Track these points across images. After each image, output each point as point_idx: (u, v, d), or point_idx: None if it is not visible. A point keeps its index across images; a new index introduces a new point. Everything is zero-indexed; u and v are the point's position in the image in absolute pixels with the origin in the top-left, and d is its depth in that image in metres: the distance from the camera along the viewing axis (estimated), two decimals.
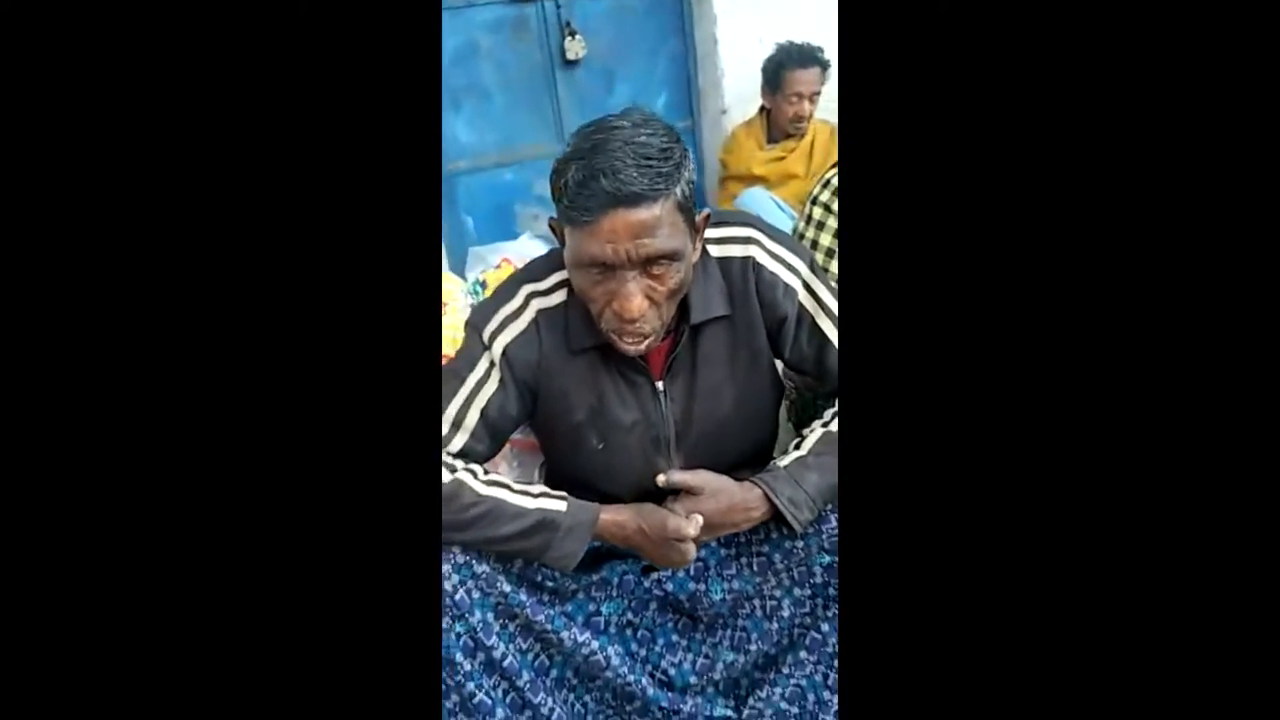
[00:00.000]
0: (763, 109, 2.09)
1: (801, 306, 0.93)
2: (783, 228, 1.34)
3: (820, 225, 1.17)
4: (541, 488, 0.90)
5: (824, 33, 2.04)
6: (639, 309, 0.80)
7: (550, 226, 0.89)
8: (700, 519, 0.87)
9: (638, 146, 0.76)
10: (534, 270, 0.94)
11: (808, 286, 0.93)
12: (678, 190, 0.78)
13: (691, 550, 0.88)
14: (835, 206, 1.17)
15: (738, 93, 2.29)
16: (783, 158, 2.03)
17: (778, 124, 2.03)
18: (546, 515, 0.86)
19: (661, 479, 0.90)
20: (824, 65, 1.97)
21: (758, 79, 2.06)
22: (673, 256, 0.79)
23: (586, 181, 0.76)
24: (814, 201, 1.20)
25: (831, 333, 0.94)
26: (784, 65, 1.95)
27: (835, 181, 1.18)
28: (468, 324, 0.95)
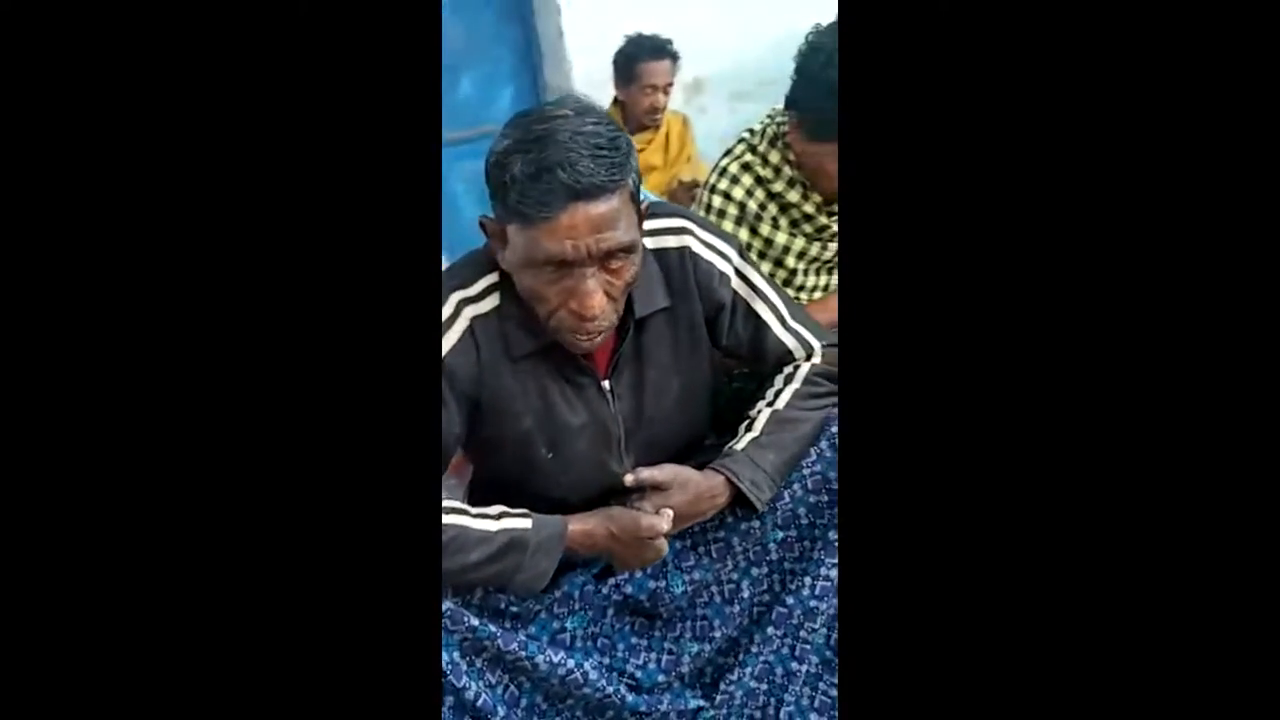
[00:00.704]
0: (616, 100, 2.10)
1: (735, 293, 0.95)
2: None
3: (721, 214, 1.20)
4: (500, 508, 0.85)
5: (669, 22, 2.08)
6: (600, 306, 0.77)
7: (482, 225, 0.84)
8: (670, 513, 0.86)
9: (588, 136, 0.73)
10: (460, 275, 0.87)
11: (739, 272, 0.95)
12: (629, 181, 0.76)
13: (665, 546, 0.87)
14: (735, 194, 1.20)
15: (585, 84, 2.28)
16: (641, 149, 2.05)
17: (633, 115, 2.05)
18: (514, 535, 0.81)
19: (629, 478, 0.88)
20: (675, 57, 2.01)
21: (603, 70, 2.06)
22: (630, 249, 0.77)
23: (540, 175, 0.71)
24: (712, 190, 1.22)
25: (766, 314, 0.96)
26: (636, 58, 1.97)
27: (732, 169, 1.21)
28: None
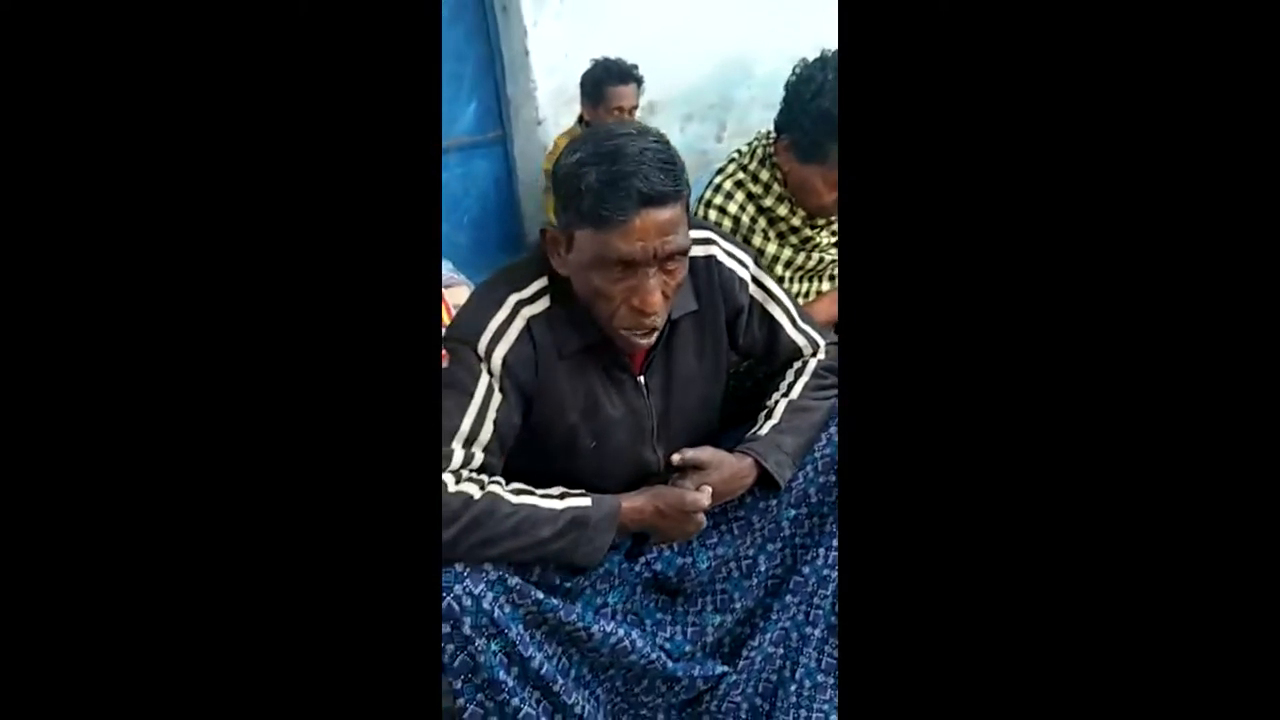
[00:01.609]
0: (582, 120, 2.19)
1: (753, 297, 1.06)
2: None
3: (718, 226, 1.31)
4: (560, 489, 0.92)
5: (628, 47, 2.20)
6: (659, 303, 0.86)
7: (543, 233, 0.91)
8: (710, 489, 0.96)
9: (654, 151, 0.82)
10: (515, 278, 0.95)
11: (755, 279, 1.06)
12: (686, 192, 0.86)
13: (704, 520, 0.97)
14: (730, 209, 1.32)
15: (548, 101, 2.36)
16: None
17: None
18: (577, 513, 0.89)
19: (676, 458, 0.97)
20: (639, 82, 2.12)
21: (565, 89, 2.16)
22: (685, 252, 0.87)
23: (617, 183, 0.80)
24: (708, 205, 1.33)
25: (780, 316, 1.08)
26: (604, 81, 2.08)
27: (726, 185, 1.33)
28: (450, 338, 0.93)
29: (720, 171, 1.36)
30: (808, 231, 1.33)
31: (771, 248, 1.33)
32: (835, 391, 1.08)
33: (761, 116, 2.99)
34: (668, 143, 0.87)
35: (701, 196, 1.35)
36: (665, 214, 0.83)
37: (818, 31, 2.90)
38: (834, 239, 1.38)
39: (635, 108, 2.14)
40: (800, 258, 1.35)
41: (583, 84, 2.12)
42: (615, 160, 0.81)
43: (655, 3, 2.52)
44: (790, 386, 1.07)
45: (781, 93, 3.04)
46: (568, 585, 0.96)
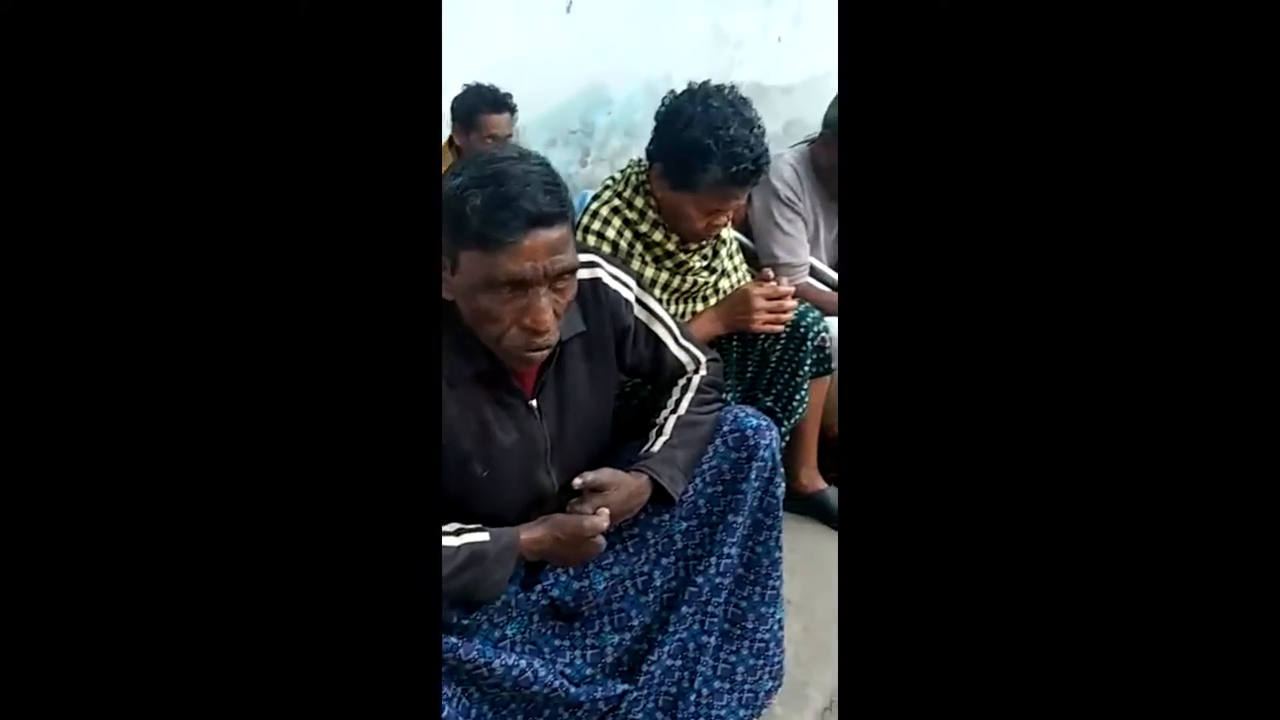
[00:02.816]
0: (452, 144, 2.16)
1: (638, 318, 1.09)
2: None
3: (597, 251, 1.34)
4: (456, 524, 0.90)
5: (494, 71, 2.20)
6: (550, 321, 0.87)
7: None
8: (608, 512, 0.97)
9: (538, 174, 0.84)
10: None
11: (639, 300, 1.09)
12: (570, 212, 0.88)
13: (603, 542, 0.98)
14: (608, 234, 1.35)
15: None
16: None
17: None
18: (474, 548, 0.87)
19: (577, 482, 0.98)
20: (513, 110, 2.13)
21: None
22: (574, 271, 0.89)
23: (504, 204, 0.81)
24: (585, 230, 1.35)
25: (664, 335, 1.11)
26: (477, 109, 2.06)
27: (603, 212, 1.36)
28: None
29: (596, 198, 1.40)
30: (682, 256, 1.38)
31: (649, 272, 1.37)
32: (718, 405, 1.14)
33: (621, 142, 3.08)
34: (549, 165, 0.88)
35: (579, 223, 1.37)
36: (553, 234, 0.84)
37: (670, 60, 3.04)
38: (706, 263, 1.45)
39: (509, 136, 2.13)
40: (675, 280, 1.40)
41: (454, 109, 2.09)
42: (500, 182, 0.82)
43: (516, 29, 2.53)
44: (677, 403, 1.11)
45: (638, 118, 3.13)
46: (464, 622, 0.94)
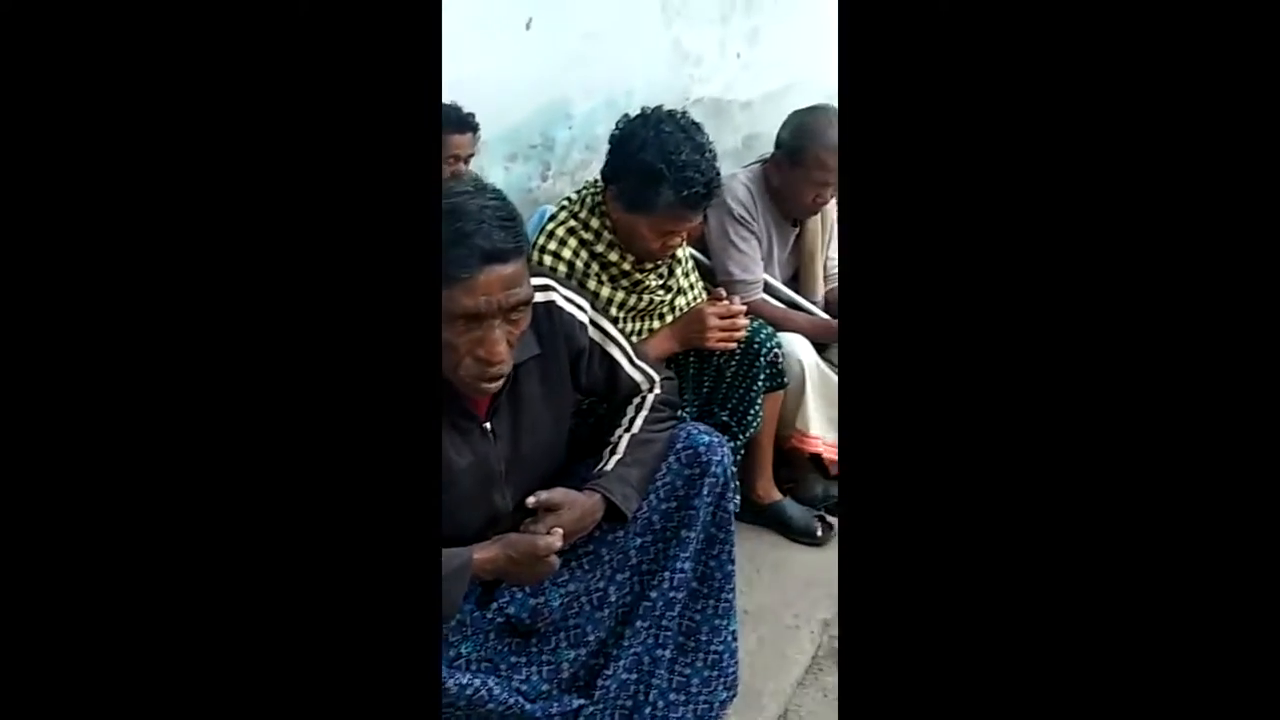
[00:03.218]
0: None
1: (592, 339, 1.11)
2: None
3: (553, 270, 1.36)
4: None
5: (453, 87, 2.20)
6: (504, 353, 0.89)
7: None
8: (561, 531, 0.99)
9: (493, 209, 0.86)
10: None
11: (593, 322, 1.12)
12: (526, 245, 0.90)
13: (557, 561, 0.99)
14: (564, 254, 1.37)
15: None
16: None
17: None
18: None
19: (530, 501, 0.99)
20: (475, 129, 2.13)
21: None
22: (529, 303, 0.91)
23: (460, 240, 0.83)
24: (542, 250, 1.38)
25: (618, 355, 1.14)
26: (441, 129, 2.07)
27: (559, 233, 1.39)
28: None
29: (553, 219, 1.42)
30: (637, 275, 1.41)
31: (605, 291, 1.40)
32: (672, 423, 1.17)
33: (582, 156, 3.10)
34: (504, 198, 0.91)
35: (535, 242, 1.40)
36: (508, 269, 0.86)
37: (631, 76, 3.08)
38: (661, 281, 1.48)
39: (472, 155, 2.14)
40: (632, 299, 1.43)
41: None
42: (457, 218, 0.84)
43: (476, 45, 2.54)
44: (631, 421, 1.14)
45: (599, 133, 3.16)
46: None
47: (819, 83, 4.11)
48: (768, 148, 2.16)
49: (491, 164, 2.79)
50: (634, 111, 2.91)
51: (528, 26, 2.71)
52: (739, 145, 3.65)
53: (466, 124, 2.11)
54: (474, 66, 2.54)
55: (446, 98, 2.21)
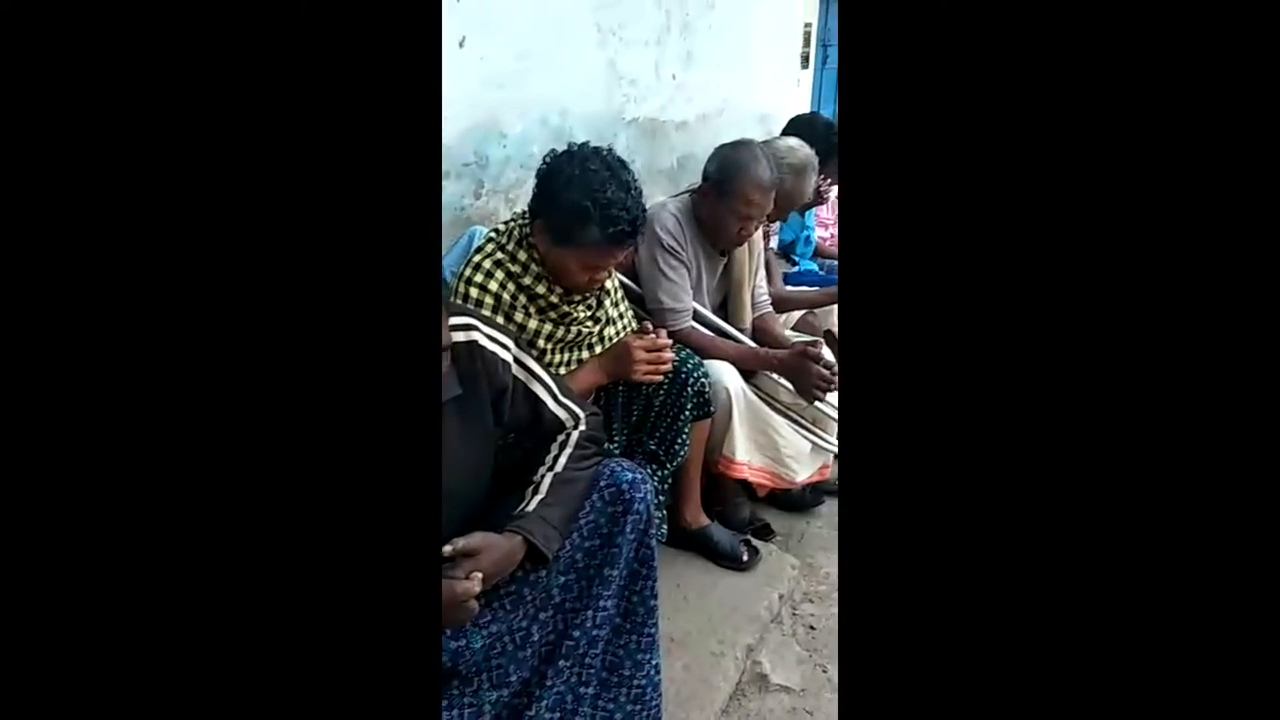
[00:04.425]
0: None
1: (515, 377, 1.11)
2: None
3: (479, 303, 1.35)
4: None
5: None
6: None
7: None
8: (480, 575, 0.98)
9: None
10: None
11: (518, 360, 1.12)
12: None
13: (475, 606, 0.99)
14: (491, 287, 1.36)
15: None
16: None
17: None
18: None
19: (447, 549, 0.98)
20: None
21: None
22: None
23: None
24: (468, 282, 1.36)
25: (541, 393, 1.14)
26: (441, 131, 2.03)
27: (485, 264, 1.38)
28: None
29: (479, 251, 1.41)
30: (565, 307, 1.42)
31: (533, 323, 1.40)
32: (596, 460, 1.17)
33: (516, 174, 3.09)
34: None
35: (461, 274, 1.39)
36: None
37: (566, 96, 3.09)
38: (590, 312, 1.49)
39: None
40: (560, 331, 1.44)
41: None
42: None
43: None
44: (555, 460, 1.14)
45: (533, 151, 3.15)
46: None
47: (751, 103, 4.21)
48: (700, 169, 2.20)
49: None
50: (569, 131, 2.92)
51: (460, 44, 2.69)
52: (674, 165, 3.70)
53: None
54: None
55: None
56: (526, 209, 1.39)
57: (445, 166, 2.81)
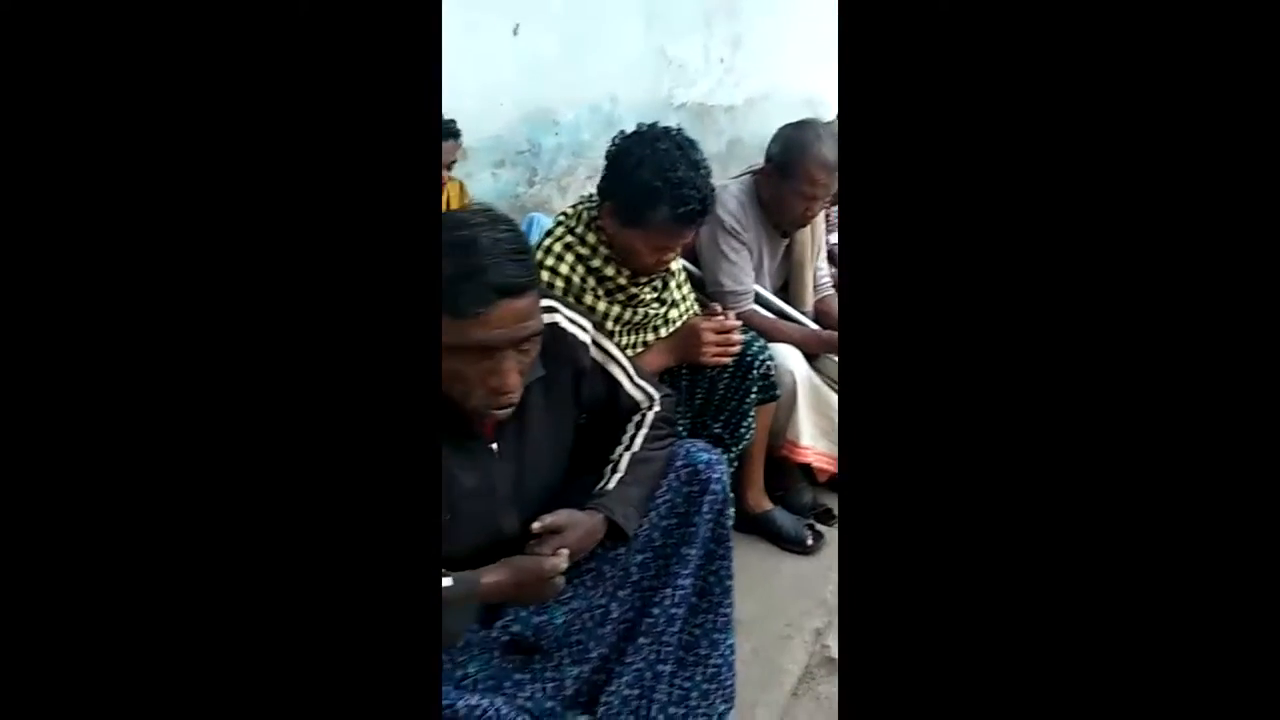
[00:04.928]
0: None
1: (594, 359, 1.12)
2: None
3: (551, 286, 1.37)
4: None
5: (452, 99, 2.20)
6: (516, 382, 0.90)
7: None
8: (567, 552, 0.99)
9: (505, 242, 0.86)
10: None
11: (595, 341, 1.13)
12: (538, 279, 0.90)
13: (562, 581, 1.00)
14: (562, 270, 1.38)
15: None
16: None
17: None
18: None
19: (536, 525, 1.00)
20: (457, 136, 2.13)
21: None
22: (540, 334, 0.91)
23: (473, 276, 0.83)
24: (539, 266, 1.38)
25: (619, 374, 1.15)
26: (442, 133, 2.07)
27: (556, 248, 1.39)
28: None
29: (549, 234, 1.42)
30: (633, 289, 1.42)
31: (601, 305, 1.41)
32: (671, 440, 1.18)
33: (568, 162, 3.11)
34: (518, 230, 0.91)
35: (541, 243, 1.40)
36: (521, 303, 0.87)
37: (615, 82, 3.09)
38: (656, 294, 1.49)
39: (454, 162, 2.15)
40: (627, 313, 1.44)
41: None
42: (470, 252, 0.84)
43: (464, 53, 2.54)
44: (632, 439, 1.15)
45: (584, 139, 3.15)
46: None
47: (800, 86, 4.15)
48: (750, 152, 2.18)
49: (480, 170, 2.78)
50: (619, 117, 2.91)
51: (515, 32, 2.70)
52: (722, 149, 3.68)
53: (448, 131, 2.11)
54: (461, 73, 2.54)
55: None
56: (595, 192, 1.40)
57: (499, 155, 2.84)
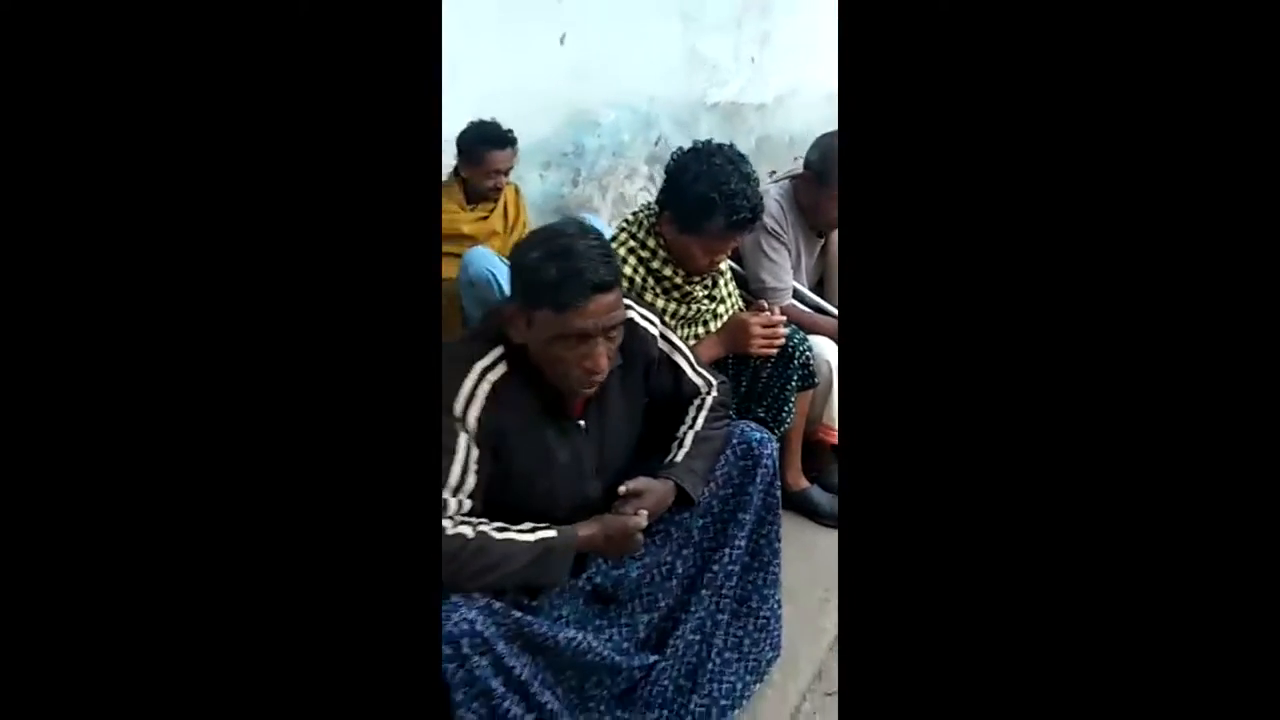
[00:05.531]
0: (456, 173, 2.32)
1: (661, 350, 1.30)
2: (503, 275, 1.73)
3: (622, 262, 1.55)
4: (529, 524, 1.10)
5: (488, 100, 2.36)
6: (606, 364, 1.08)
7: (498, 312, 1.10)
8: (646, 513, 1.18)
9: (597, 247, 1.04)
10: (475, 350, 1.12)
11: (662, 335, 1.31)
12: (621, 277, 1.08)
13: (643, 539, 1.18)
14: (625, 271, 1.55)
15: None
16: (485, 217, 2.31)
17: (476, 190, 2.29)
18: (547, 543, 1.07)
19: (623, 489, 1.18)
20: (514, 144, 2.30)
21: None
22: (624, 323, 1.09)
23: (574, 275, 1.01)
24: (618, 242, 1.56)
25: (682, 363, 1.33)
26: (480, 145, 2.22)
27: (620, 251, 1.56)
28: None
29: (614, 240, 1.60)
30: (687, 287, 1.60)
31: (659, 302, 1.58)
32: (727, 421, 1.35)
33: (609, 163, 3.26)
34: (603, 237, 1.09)
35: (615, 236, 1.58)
36: (610, 296, 1.05)
37: (652, 84, 3.23)
38: (707, 292, 1.66)
39: (510, 169, 2.31)
40: (682, 309, 1.62)
41: (459, 143, 2.25)
42: (569, 257, 1.03)
43: (509, 60, 2.69)
44: (694, 420, 1.33)
45: (624, 140, 3.29)
46: (533, 604, 1.14)
47: (827, 83, 4.26)
48: (779, 149, 2.30)
49: (528, 172, 2.96)
50: (655, 117, 3.04)
51: (562, 42, 2.86)
52: (753, 147, 3.81)
53: (505, 139, 2.27)
54: (509, 80, 2.71)
55: (484, 111, 2.36)
56: (655, 201, 1.57)
57: (544, 157, 3.01)
